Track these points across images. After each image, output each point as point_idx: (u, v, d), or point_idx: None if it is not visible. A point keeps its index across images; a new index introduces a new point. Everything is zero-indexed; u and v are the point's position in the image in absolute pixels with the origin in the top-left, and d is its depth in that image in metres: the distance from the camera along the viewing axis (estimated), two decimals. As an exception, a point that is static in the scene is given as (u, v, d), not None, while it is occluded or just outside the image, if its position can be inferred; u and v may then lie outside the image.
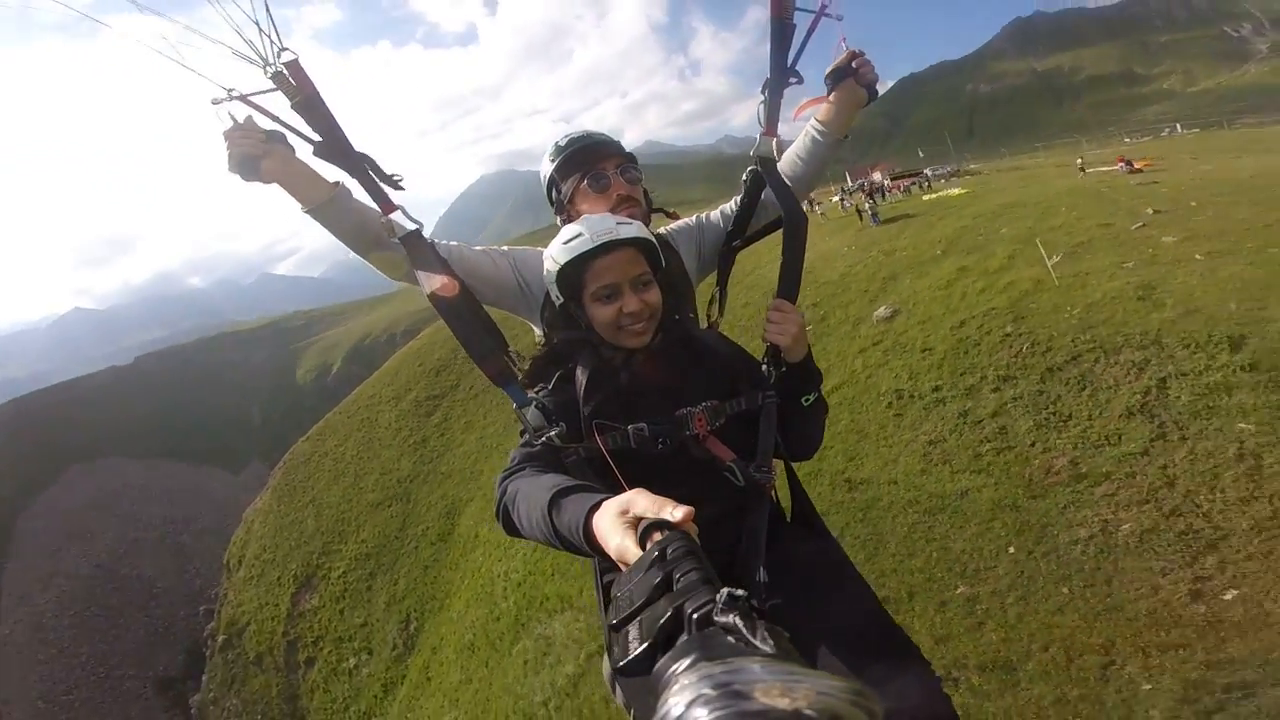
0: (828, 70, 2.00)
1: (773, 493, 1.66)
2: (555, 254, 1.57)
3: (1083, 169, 27.95)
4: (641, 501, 0.92)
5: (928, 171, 48.61)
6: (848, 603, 1.54)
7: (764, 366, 1.71)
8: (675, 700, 0.46)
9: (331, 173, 1.80)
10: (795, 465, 1.85)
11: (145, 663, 60.76)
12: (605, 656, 1.57)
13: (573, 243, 1.53)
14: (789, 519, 1.81)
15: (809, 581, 1.56)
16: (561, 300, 1.62)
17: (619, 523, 0.92)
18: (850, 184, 46.04)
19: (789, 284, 1.83)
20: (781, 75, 1.94)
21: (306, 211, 1.72)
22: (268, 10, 1.66)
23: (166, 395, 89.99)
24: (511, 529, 1.34)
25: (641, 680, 0.63)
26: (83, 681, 57.64)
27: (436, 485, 22.97)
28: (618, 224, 1.55)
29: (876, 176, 46.77)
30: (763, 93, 1.97)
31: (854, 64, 1.96)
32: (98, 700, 55.89)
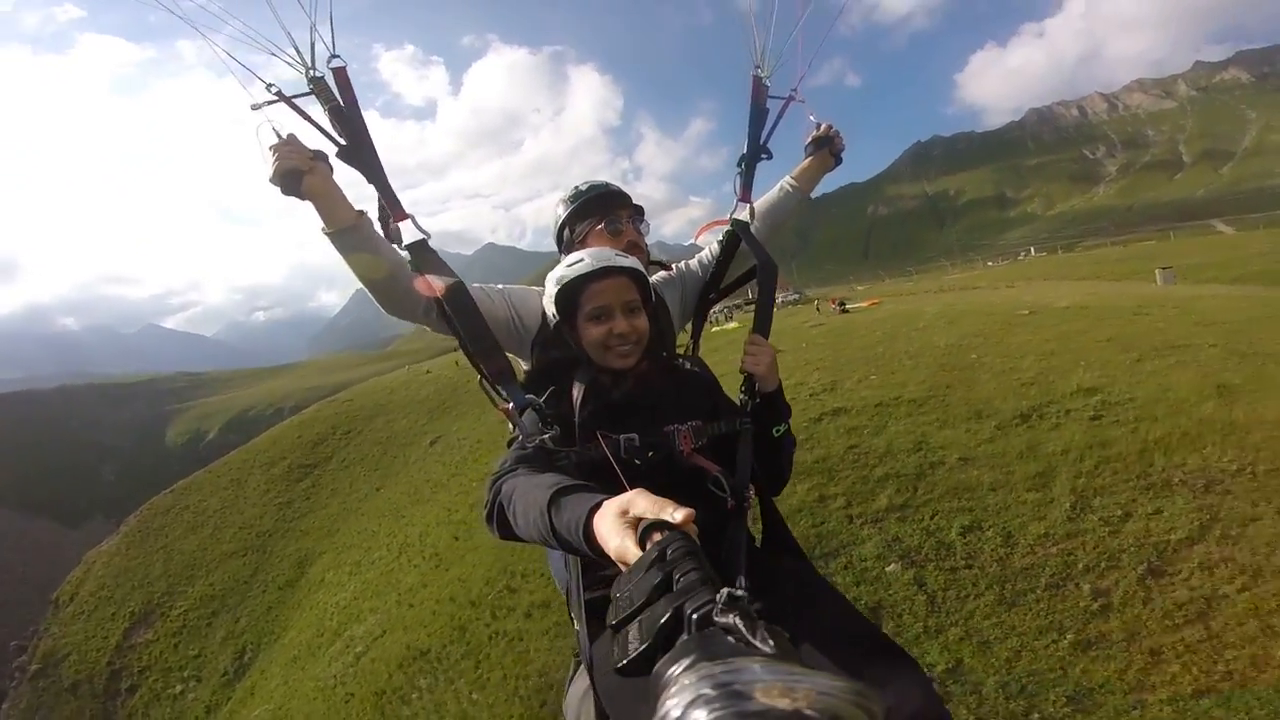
0: (809, 138, 2.42)
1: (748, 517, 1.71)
2: (558, 274, 1.72)
3: (843, 307, 26.69)
4: (642, 502, 0.94)
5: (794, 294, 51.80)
6: (831, 607, 1.59)
7: (740, 395, 1.88)
8: (675, 700, 0.46)
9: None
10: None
11: None
12: (568, 684, 1.81)
13: (575, 266, 1.68)
14: (758, 543, 1.89)
15: (793, 589, 1.65)
16: (557, 320, 1.75)
17: (619, 523, 0.93)
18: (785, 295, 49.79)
19: (763, 321, 2.06)
20: (756, 151, 2.31)
21: (329, 233, 1.77)
22: (330, 18, 1.77)
23: (14, 440, 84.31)
24: (505, 529, 1.37)
25: (640, 681, 0.62)
26: None
27: (294, 540, 24.83)
28: (616, 255, 1.72)
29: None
30: (739, 166, 2.31)
31: (830, 134, 2.39)
32: None
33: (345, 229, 1.78)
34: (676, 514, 0.88)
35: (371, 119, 1.92)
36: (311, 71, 1.80)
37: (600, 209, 2.16)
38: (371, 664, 9.27)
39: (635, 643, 0.68)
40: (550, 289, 1.74)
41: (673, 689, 0.48)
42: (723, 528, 1.62)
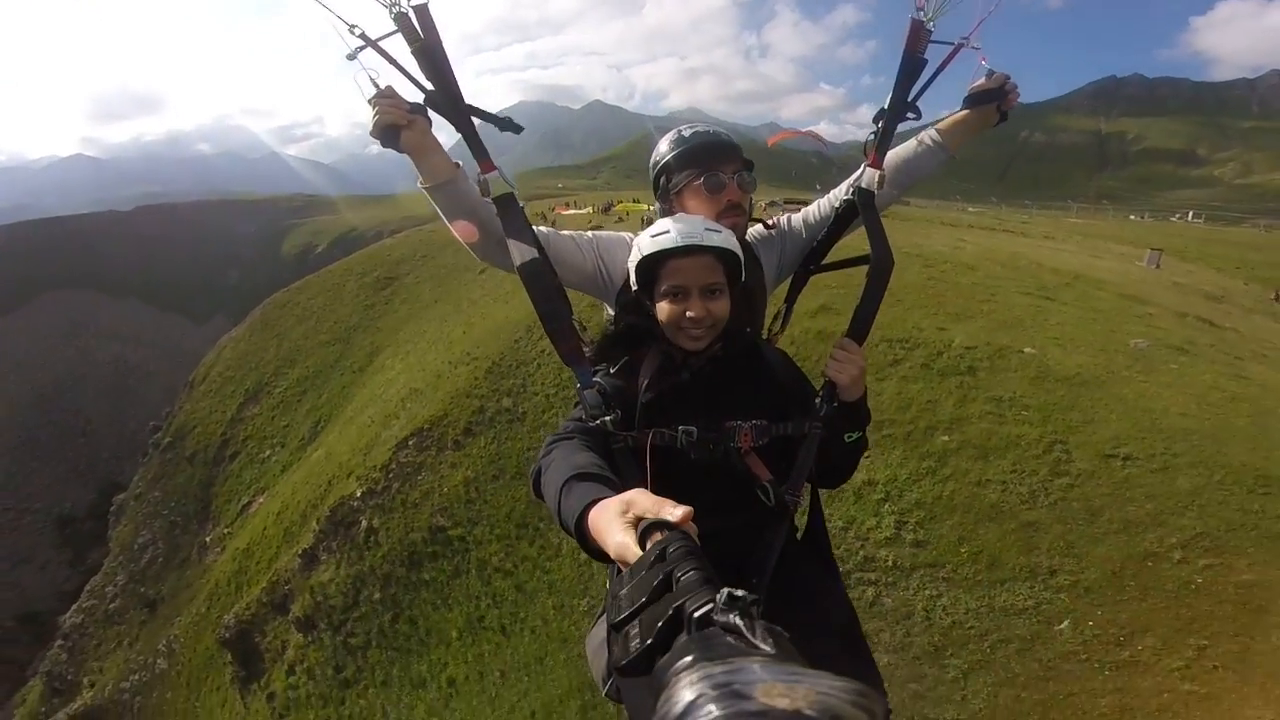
0: (972, 88, 2.01)
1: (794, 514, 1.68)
2: (641, 244, 1.61)
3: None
4: (642, 501, 0.93)
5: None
6: (822, 616, 1.61)
7: (818, 399, 1.70)
8: (675, 700, 0.46)
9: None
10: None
11: (54, 499, 65.65)
12: (595, 622, 1.85)
13: (659, 238, 1.57)
14: (800, 535, 1.83)
15: (797, 594, 1.63)
16: (636, 288, 1.66)
17: (620, 522, 0.93)
18: None
19: (860, 325, 1.82)
20: (901, 109, 1.95)
21: (426, 187, 1.77)
22: None
23: (154, 246, 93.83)
24: (537, 491, 1.39)
25: (642, 679, 0.63)
26: (-15, 513, 61.81)
27: (370, 335, 28.45)
28: (706, 229, 1.57)
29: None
30: (876, 123, 1.99)
31: (1005, 87, 1.97)
32: (-10, 532, 60.26)
33: (441, 184, 1.77)
34: (675, 513, 0.88)
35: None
36: (396, 7, 1.71)
37: (703, 161, 1.94)
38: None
39: (636, 641, 0.68)
40: (634, 256, 1.65)
41: (673, 689, 0.48)
42: (762, 528, 1.62)
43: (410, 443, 12.69)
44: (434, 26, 1.72)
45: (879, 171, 1.96)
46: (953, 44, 1.93)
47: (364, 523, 11.85)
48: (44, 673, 25.75)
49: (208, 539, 23.52)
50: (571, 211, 42.82)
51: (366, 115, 1.70)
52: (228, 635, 13.62)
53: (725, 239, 1.58)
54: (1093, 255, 22.78)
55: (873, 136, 1.98)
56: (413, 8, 1.70)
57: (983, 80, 1.98)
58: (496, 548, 10.38)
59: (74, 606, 28.15)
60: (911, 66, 1.92)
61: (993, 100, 1.99)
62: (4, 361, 76.28)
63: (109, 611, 24.93)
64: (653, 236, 1.59)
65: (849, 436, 1.71)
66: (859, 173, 1.99)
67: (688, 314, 1.56)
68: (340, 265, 39.70)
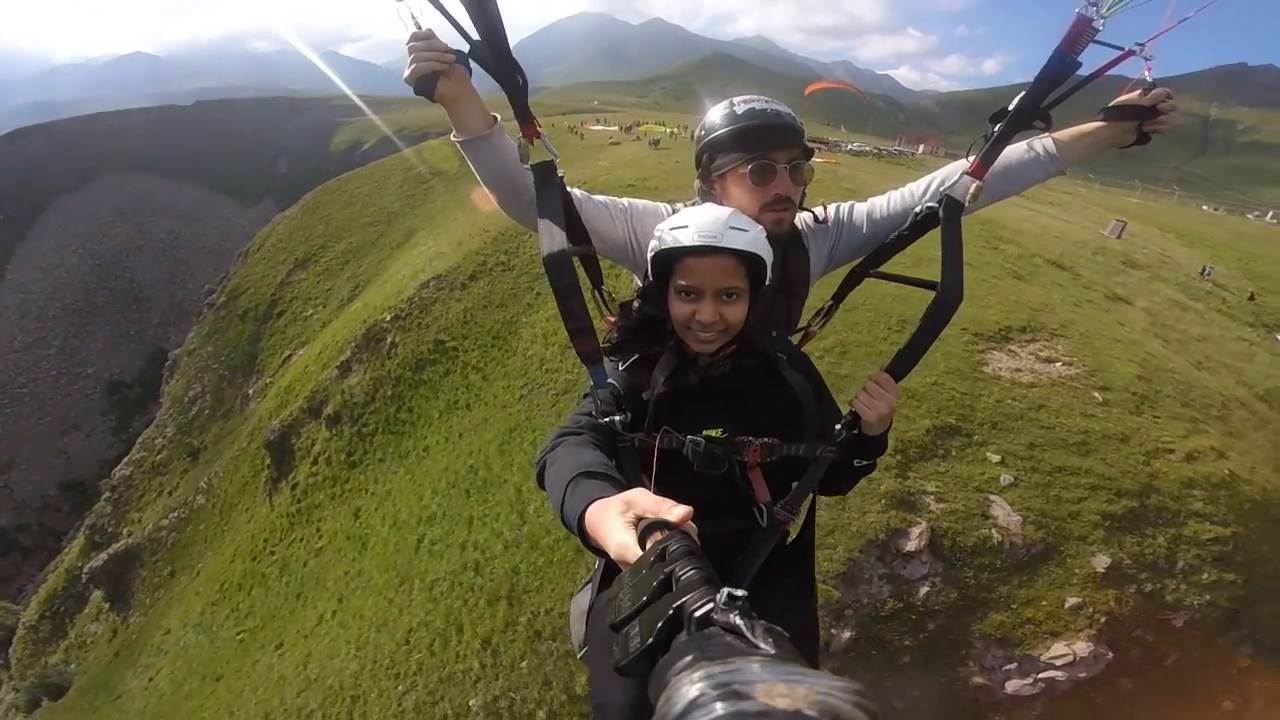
0: (1119, 99, 1.70)
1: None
2: (660, 233, 1.50)
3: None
4: (643, 501, 0.93)
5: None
6: (790, 625, 1.36)
7: (839, 426, 1.61)
8: (676, 700, 0.46)
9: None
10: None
11: (105, 363, 70.69)
12: (580, 588, 1.94)
13: (676, 232, 1.45)
14: (789, 542, 1.78)
15: (771, 600, 1.62)
16: (651, 280, 1.57)
17: (620, 521, 0.92)
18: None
19: (905, 361, 1.67)
20: (1030, 113, 1.62)
21: (460, 140, 1.67)
22: None
23: (210, 136, 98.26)
24: (541, 484, 1.38)
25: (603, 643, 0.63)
26: (41, 376, 67.07)
27: (409, 220, 31.40)
28: (729, 228, 1.42)
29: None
30: (991, 124, 1.68)
31: (1160, 106, 1.65)
32: (46, 395, 65.28)
33: (476, 138, 1.65)
34: (676, 512, 0.88)
35: None
36: None
37: (755, 145, 1.70)
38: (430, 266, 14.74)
39: (636, 641, 0.68)
40: (653, 245, 1.51)
41: (673, 688, 0.48)
42: (751, 536, 1.60)
43: (430, 284, 15.64)
44: None
45: (978, 183, 1.67)
46: (1120, 49, 1.56)
47: (389, 339, 14.68)
48: (87, 526, 27.95)
49: (250, 390, 26.45)
50: (599, 127, 44.23)
51: (404, 62, 1.57)
52: (272, 438, 16.41)
53: (751, 240, 1.43)
54: (1067, 222, 22.76)
55: (982, 140, 1.69)
56: None
57: (1136, 93, 1.67)
58: (476, 354, 13.18)
59: (124, 459, 30.83)
60: (1060, 67, 1.56)
61: (1138, 118, 1.69)
62: (67, 234, 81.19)
63: (155, 463, 27.56)
64: (671, 229, 1.46)
65: (859, 462, 1.64)
66: (953, 176, 1.72)
67: (698, 317, 1.47)
68: (387, 160, 42.97)
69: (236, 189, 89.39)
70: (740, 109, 1.73)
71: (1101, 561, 6.65)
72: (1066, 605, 6.33)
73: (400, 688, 7.60)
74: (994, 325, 9.40)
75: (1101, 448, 7.53)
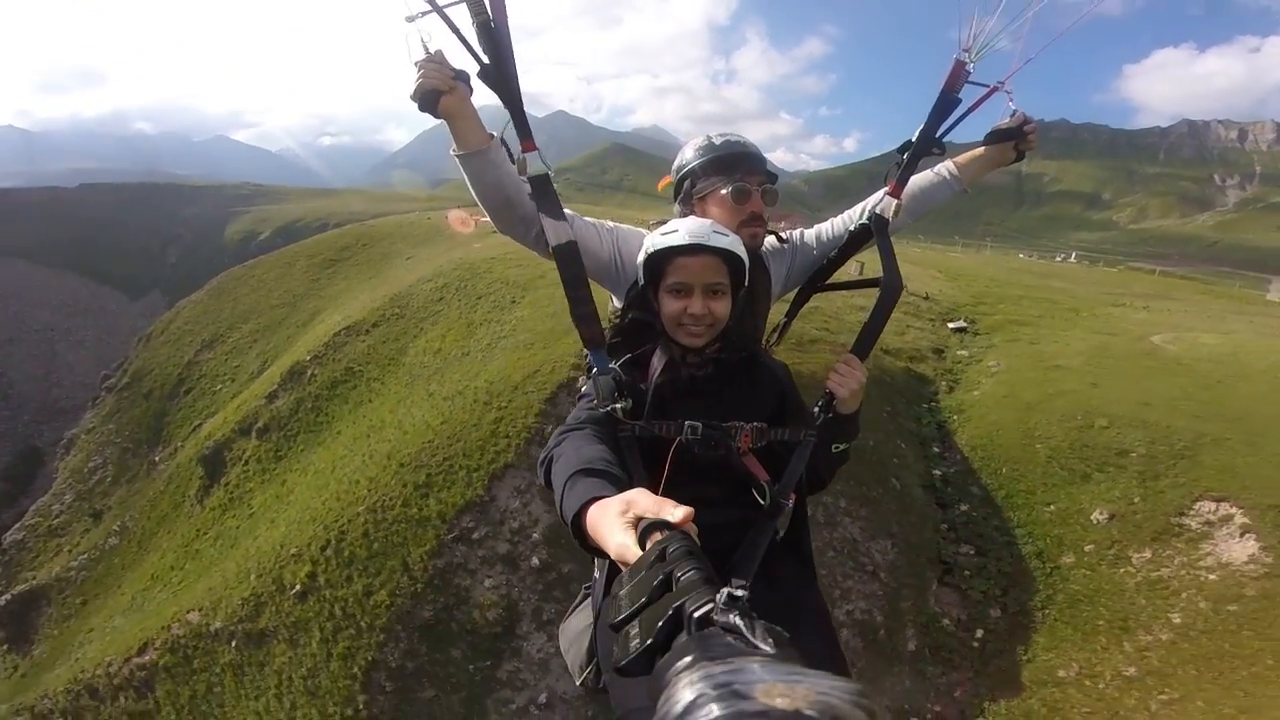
0: (996, 127, 2.12)
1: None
2: (651, 241, 1.67)
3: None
4: (643, 501, 0.94)
5: None
6: (806, 624, 1.69)
7: (815, 409, 1.80)
8: (675, 700, 0.46)
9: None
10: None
11: None
12: (571, 610, 1.99)
13: (668, 236, 1.63)
14: (781, 535, 1.83)
15: (783, 600, 1.69)
16: (643, 284, 1.71)
17: (620, 521, 0.93)
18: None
19: (865, 343, 1.93)
20: (929, 142, 2.03)
21: (460, 155, 1.77)
22: None
23: (94, 223, 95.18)
24: (547, 481, 1.42)
25: (641, 679, 0.63)
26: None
27: (314, 301, 34.69)
28: (713, 232, 1.62)
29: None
30: (900, 154, 2.06)
31: (1025, 128, 2.08)
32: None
33: (474, 152, 1.77)
34: (676, 513, 0.89)
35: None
36: None
37: (731, 170, 1.98)
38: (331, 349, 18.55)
39: (636, 641, 0.68)
40: (643, 249, 1.70)
41: (673, 689, 0.48)
42: (749, 525, 1.69)
43: (341, 333, 19.19)
44: (503, 5, 1.73)
45: (897, 201, 2.05)
46: (987, 85, 2.01)
47: (309, 372, 18.07)
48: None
49: (157, 458, 27.44)
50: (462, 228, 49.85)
51: (410, 80, 1.70)
52: (207, 453, 18.88)
53: (731, 242, 1.62)
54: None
55: (896, 167, 2.05)
56: None
57: (1006, 120, 2.10)
58: (376, 370, 16.60)
59: (16, 525, 29.33)
60: (945, 104, 1.98)
61: (1011, 139, 2.11)
62: (-69, 321, 76.75)
63: (53, 526, 27.04)
64: (662, 234, 1.64)
65: (836, 447, 1.81)
66: (877, 199, 2.09)
67: (689, 310, 1.61)
68: (292, 248, 45.85)
69: (122, 280, 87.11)
70: (718, 141, 2.04)
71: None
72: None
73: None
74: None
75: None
